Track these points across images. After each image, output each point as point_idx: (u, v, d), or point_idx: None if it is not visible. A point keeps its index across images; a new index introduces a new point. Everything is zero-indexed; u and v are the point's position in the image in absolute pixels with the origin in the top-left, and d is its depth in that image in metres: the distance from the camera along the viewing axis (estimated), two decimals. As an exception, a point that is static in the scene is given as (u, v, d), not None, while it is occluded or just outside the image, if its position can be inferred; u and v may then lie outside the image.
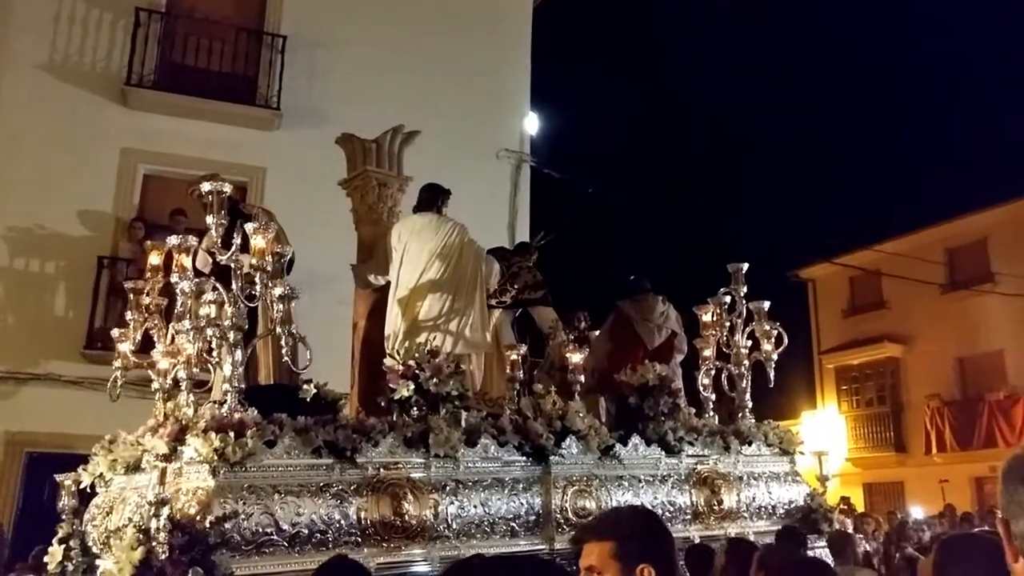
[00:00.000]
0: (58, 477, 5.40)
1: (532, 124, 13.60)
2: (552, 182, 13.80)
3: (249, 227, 4.45)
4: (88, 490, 5.21)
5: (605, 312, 7.43)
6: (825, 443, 15.37)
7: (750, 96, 35.75)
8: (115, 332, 5.58)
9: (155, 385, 5.17)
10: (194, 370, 4.79)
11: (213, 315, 4.49)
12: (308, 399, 5.11)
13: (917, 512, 15.15)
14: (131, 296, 5.49)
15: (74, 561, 5.09)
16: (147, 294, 5.49)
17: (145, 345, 5.70)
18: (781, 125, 34.90)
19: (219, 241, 4.56)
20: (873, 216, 25.29)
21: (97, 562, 4.97)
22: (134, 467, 4.61)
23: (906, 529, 9.28)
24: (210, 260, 5.17)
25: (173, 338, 5.44)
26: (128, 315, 5.47)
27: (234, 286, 4.33)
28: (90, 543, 5.05)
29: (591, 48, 33.85)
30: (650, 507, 5.36)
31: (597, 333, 7.42)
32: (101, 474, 5.03)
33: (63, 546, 5.10)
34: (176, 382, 5.06)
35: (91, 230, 10.72)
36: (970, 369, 19.08)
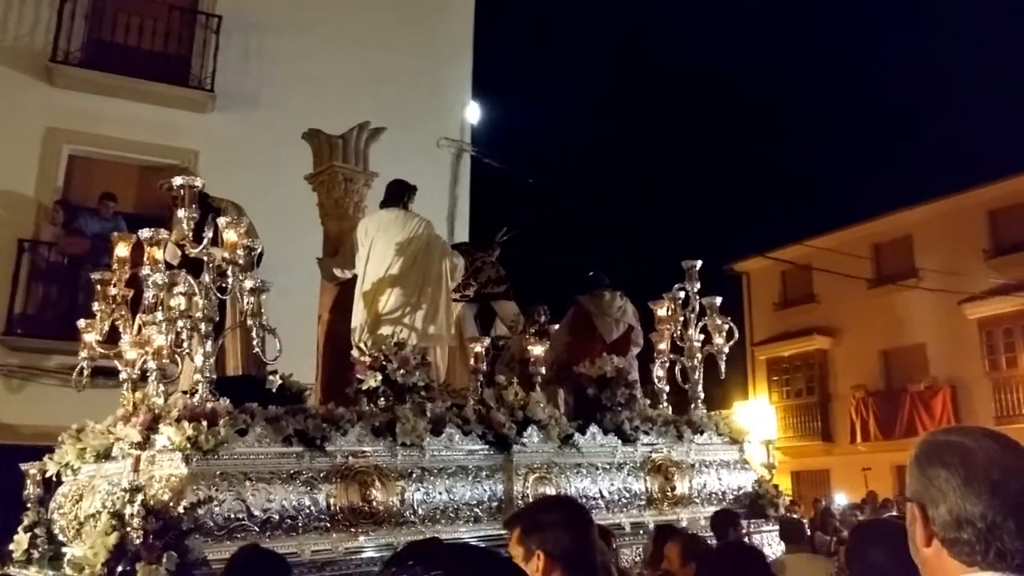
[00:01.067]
0: (23, 466, 5.44)
1: (474, 113, 13.42)
2: (493, 172, 13.69)
3: (222, 221, 4.56)
4: (56, 479, 5.27)
5: (549, 301, 7.65)
6: (756, 432, 15.92)
7: (691, 92, 36.49)
8: (81, 323, 5.61)
9: (123, 375, 5.24)
10: (164, 361, 4.87)
11: (183, 307, 4.58)
12: (274, 390, 5.25)
13: (840, 499, 15.73)
14: (98, 287, 5.52)
15: (40, 549, 5.15)
16: (114, 285, 5.53)
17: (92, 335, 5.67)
18: (719, 122, 35.73)
19: (190, 234, 4.64)
20: (804, 212, 26.09)
21: (64, 549, 5.04)
22: (104, 455, 4.68)
23: (828, 516, 9.75)
24: (179, 252, 5.24)
25: (140, 329, 5.51)
26: (95, 306, 5.50)
27: (206, 278, 4.42)
28: (56, 531, 5.11)
29: (535, 39, 34.19)
30: (607, 493, 5.61)
31: (556, 327, 7.63)
32: (68, 463, 5.09)
33: (29, 534, 5.17)
34: (143, 373, 5.14)
35: (11, 212, 10.37)
36: (894, 361, 19.70)
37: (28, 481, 5.35)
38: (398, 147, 11.61)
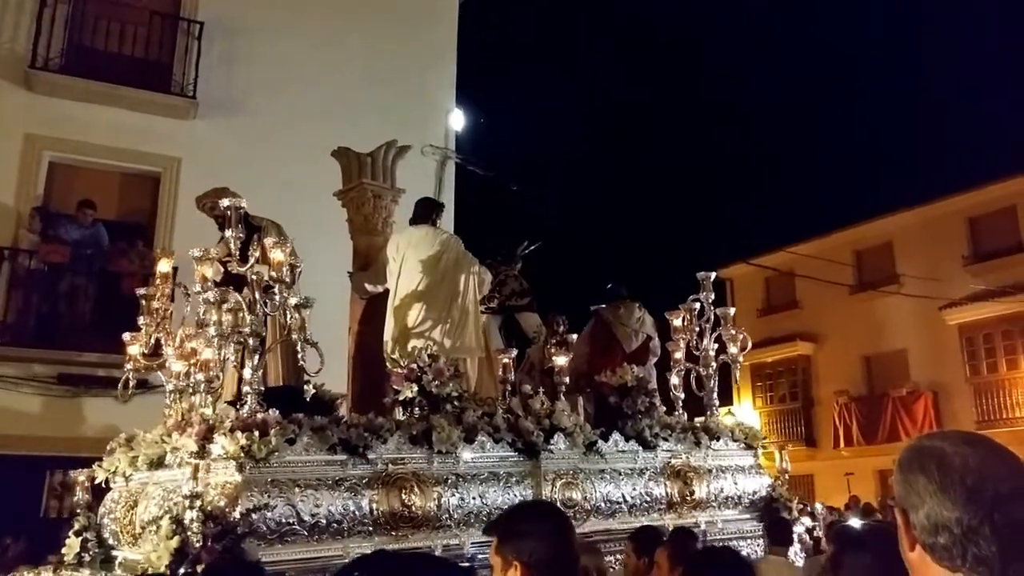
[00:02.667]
0: (72, 473, 5.71)
1: (458, 120, 13.35)
2: (479, 180, 13.48)
3: (269, 241, 4.82)
4: (104, 486, 5.53)
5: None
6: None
7: (674, 100, 36.90)
8: (126, 336, 5.87)
9: (169, 387, 5.51)
10: (211, 373, 5.14)
11: (231, 323, 4.83)
12: (308, 399, 5.52)
13: (818, 505, 15.87)
14: (143, 302, 5.79)
15: (91, 552, 5.41)
16: (157, 300, 5.80)
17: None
18: (704, 131, 36.16)
19: (237, 253, 4.91)
20: (788, 219, 26.42)
21: (115, 552, 5.29)
22: (157, 463, 4.93)
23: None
24: (221, 269, 5.49)
25: (182, 342, 5.78)
26: (140, 320, 5.77)
27: (257, 295, 4.68)
28: (107, 535, 5.37)
29: (521, 46, 34.43)
30: (629, 497, 5.86)
31: (575, 337, 7.87)
32: (121, 470, 5.34)
33: (80, 538, 5.42)
34: (188, 384, 5.41)
35: (-9, 220, 10.21)
36: (876, 367, 19.86)
37: (77, 488, 5.61)
38: (382, 153, 12.10)
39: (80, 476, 5.63)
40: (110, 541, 5.35)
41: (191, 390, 5.11)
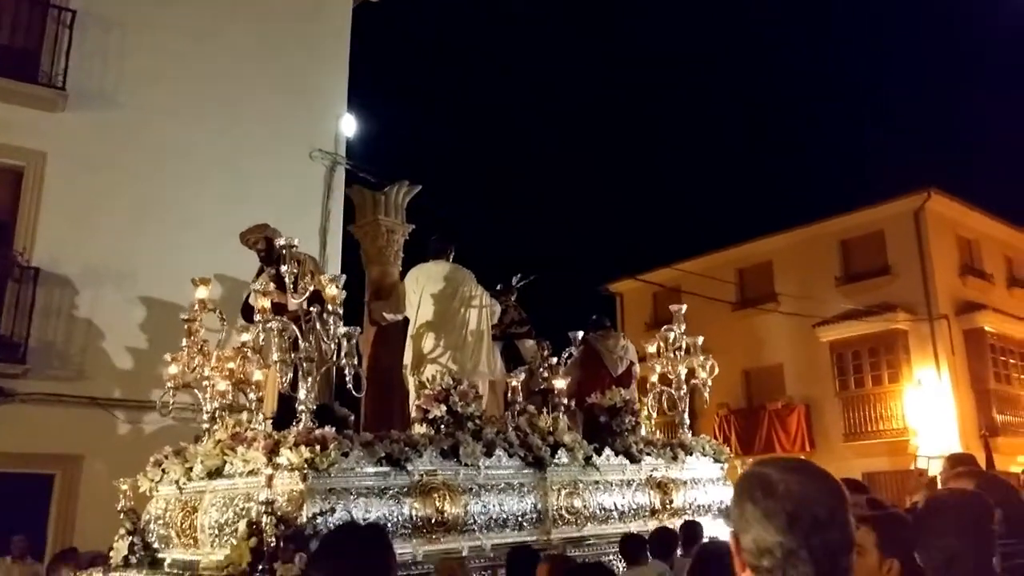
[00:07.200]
0: (114, 482, 6.19)
1: (349, 126, 12.62)
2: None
3: (325, 278, 5.45)
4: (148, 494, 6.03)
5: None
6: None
7: (567, 115, 38.24)
8: (167, 356, 6.39)
9: (215, 404, 6.06)
10: (260, 393, 5.72)
11: (286, 348, 5.45)
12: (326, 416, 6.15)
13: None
14: (185, 326, 6.32)
15: (137, 555, 5.91)
16: (198, 323, 6.35)
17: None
18: (595, 149, 37.71)
19: (292, 287, 5.52)
20: (675, 237, 28.13)
21: (161, 555, 5.81)
22: (215, 473, 5.48)
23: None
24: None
25: (220, 363, 6.34)
26: (183, 342, 6.30)
27: (319, 325, 5.31)
28: (152, 539, 5.88)
29: (416, 52, 34.77)
30: (619, 506, 6.64)
31: (554, 360, 8.63)
32: (162, 479, 5.86)
33: (127, 542, 5.91)
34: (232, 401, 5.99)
35: None
36: (755, 380, 21.08)
37: (120, 496, 6.08)
38: (268, 156, 11.21)
39: (123, 485, 6.11)
40: (156, 544, 5.87)
41: (247, 407, 5.67)
